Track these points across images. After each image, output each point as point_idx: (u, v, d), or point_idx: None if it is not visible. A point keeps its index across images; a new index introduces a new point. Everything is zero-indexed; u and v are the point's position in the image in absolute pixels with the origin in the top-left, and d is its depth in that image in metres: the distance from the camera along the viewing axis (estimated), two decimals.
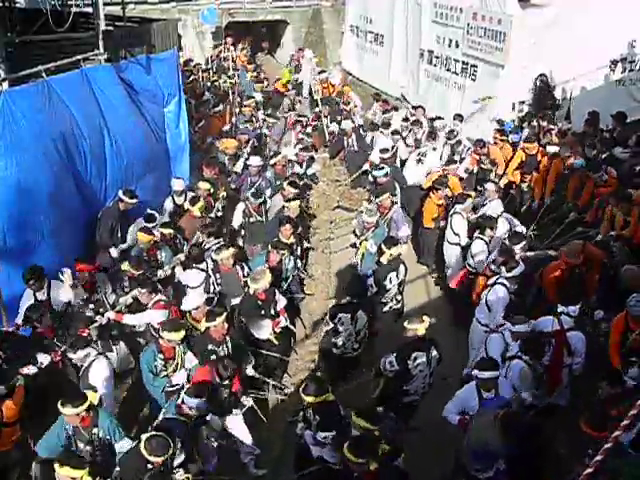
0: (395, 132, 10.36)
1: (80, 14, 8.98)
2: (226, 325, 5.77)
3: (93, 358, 5.37)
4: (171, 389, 5.53)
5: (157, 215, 7.59)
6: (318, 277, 8.74)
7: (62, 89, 6.87)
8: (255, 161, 8.96)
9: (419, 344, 5.51)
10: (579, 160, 8.16)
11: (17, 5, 9.95)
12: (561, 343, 5.54)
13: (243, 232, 8.34)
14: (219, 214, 8.49)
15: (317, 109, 12.75)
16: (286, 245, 7.08)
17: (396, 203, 8.54)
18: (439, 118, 10.64)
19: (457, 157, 9.56)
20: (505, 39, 10.26)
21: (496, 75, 10.71)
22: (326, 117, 12.33)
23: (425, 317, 5.55)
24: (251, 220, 8.25)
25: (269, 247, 6.99)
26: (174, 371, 5.66)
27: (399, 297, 6.89)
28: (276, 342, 6.44)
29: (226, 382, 5.28)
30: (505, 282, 6.21)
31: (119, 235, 7.47)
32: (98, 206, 7.51)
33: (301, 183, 9.43)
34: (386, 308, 6.81)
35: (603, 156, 8.51)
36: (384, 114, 11.60)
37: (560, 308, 5.68)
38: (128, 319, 6.27)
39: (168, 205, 8.27)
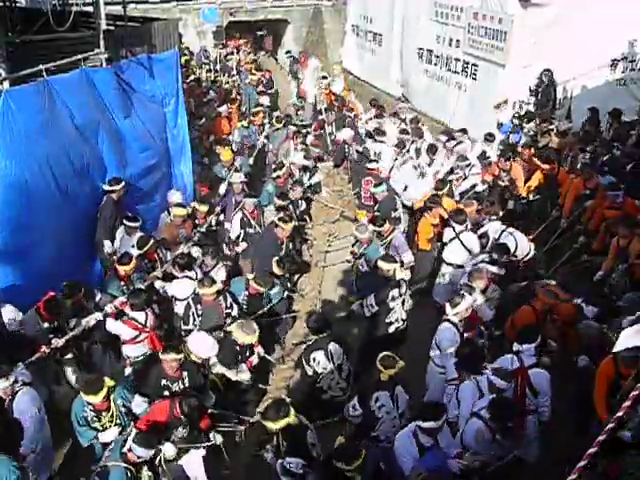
0: (400, 144, 9.83)
1: (81, 13, 8.96)
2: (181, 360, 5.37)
3: (18, 389, 4.86)
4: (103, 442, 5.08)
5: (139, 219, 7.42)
6: (307, 293, 8.39)
7: (62, 89, 6.86)
8: (236, 178, 8.57)
9: (381, 384, 5.06)
10: (607, 178, 7.62)
11: (18, 5, 9.93)
12: (523, 383, 5.00)
13: (242, 243, 8.12)
14: (214, 227, 8.35)
15: (321, 117, 12.43)
16: (273, 276, 6.86)
17: (398, 223, 8.30)
18: (452, 139, 9.97)
19: (460, 172, 9.03)
20: (506, 38, 10.27)
21: (497, 74, 10.72)
22: (330, 125, 12.06)
23: (400, 361, 5.09)
24: (250, 231, 8.09)
25: (249, 278, 6.71)
26: (110, 422, 5.13)
27: (404, 316, 6.47)
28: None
29: (190, 419, 4.92)
30: (452, 319, 5.62)
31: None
32: (98, 206, 7.49)
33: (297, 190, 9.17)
34: (392, 329, 6.39)
35: (604, 158, 8.43)
36: (376, 118, 11.19)
37: (515, 347, 5.13)
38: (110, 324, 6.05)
39: (165, 219, 8.03)
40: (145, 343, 6.15)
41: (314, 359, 5.69)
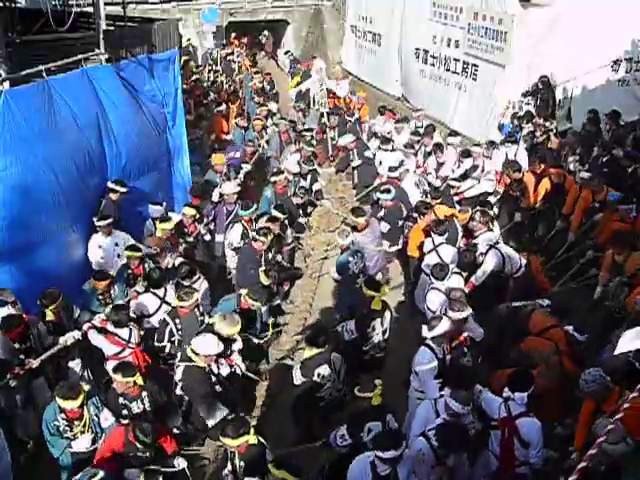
0: (408, 145, 9.81)
1: (81, 14, 8.98)
2: (139, 382, 5.19)
3: None
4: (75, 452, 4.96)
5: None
6: (298, 305, 8.20)
7: (63, 89, 6.85)
8: (228, 188, 8.27)
9: (373, 413, 4.82)
10: (614, 193, 7.35)
11: (18, 5, 9.94)
12: (510, 433, 4.65)
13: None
14: (206, 238, 8.10)
15: (322, 120, 12.16)
16: (264, 289, 6.70)
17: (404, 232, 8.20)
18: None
19: (472, 183, 8.97)
20: (506, 39, 10.25)
21: (497, 75, 10.70)
22: (332, 129, 11.71)
23: (379, 384, 4.95)
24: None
25: (242, 293, 6.43)
26: (82, 432, 4.99)
27: (383, 345, 6.20)
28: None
29: (145, 445, 4.66)
30: (430, 343, 5.34)
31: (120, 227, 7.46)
32: (97, 206, 7.47)
33: (305, 198, 9.17)
34: (367, 357, 6.14)
35: (604, 159, 8.38)
36: (396, 123, 11.06)
37: (506, 393, 4.76)
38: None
39: (149, 229, 7.80)
40: (130, 359, 5.86)
41: (318, 374, 5.47)
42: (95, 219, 7.09)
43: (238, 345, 5.93)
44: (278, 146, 10.85)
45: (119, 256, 7.06)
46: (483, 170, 9.20)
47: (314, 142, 10.84)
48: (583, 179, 7.95)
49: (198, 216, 7.96)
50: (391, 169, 9.03)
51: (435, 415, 4.74)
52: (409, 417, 5.42)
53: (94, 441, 5.01)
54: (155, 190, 8.54)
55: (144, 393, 5.27)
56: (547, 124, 9.77)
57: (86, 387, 5.04)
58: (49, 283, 6.42)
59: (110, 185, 7.45)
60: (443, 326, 5.35)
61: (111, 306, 6.07)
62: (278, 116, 12.38)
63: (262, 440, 4.69)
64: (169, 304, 6.35)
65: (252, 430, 4.55)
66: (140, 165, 8.17)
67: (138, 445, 4.64)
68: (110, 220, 7.07)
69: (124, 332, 5.88)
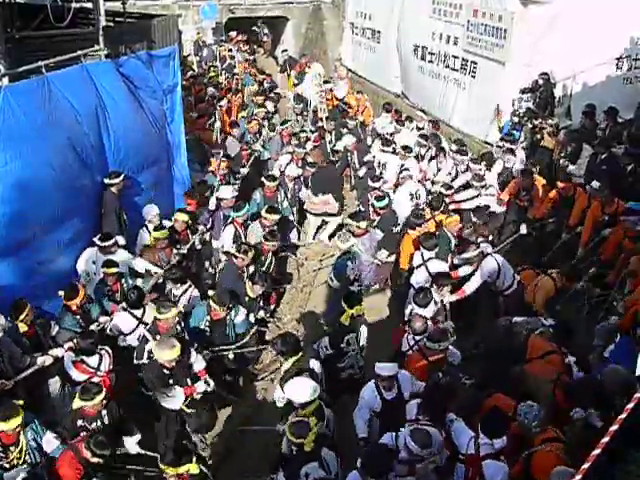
0: (405, 147, 9.48)
1: (80, 10, 8.97)
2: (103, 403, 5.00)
3: None
4: None
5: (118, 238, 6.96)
6: (287, 322, 7.78)
7: (62, 85, 6.84)
8: (226, 193, 8.14)
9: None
10: (635, 204, 7.03)
11: (17, 1, 9.92)
12: (474, 473, 4.32)
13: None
14: (198, 247, 7.80)
15: (320, 124, 11.81)
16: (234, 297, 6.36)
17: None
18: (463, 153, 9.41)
19: (473, 193, 8.55)
20: (506, 36, 10.24)
21: (497, 72, 10.69)
22: (330, 133, 11.31)
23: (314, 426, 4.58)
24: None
25: (211, 300, 6.17)
26: (18, 459, 4.62)
27: (361, 363, 5.93)
28: (188, 410, 5.62)
29: (104, 459, 4.51)
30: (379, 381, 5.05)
31: (125, 220, 7.51)
32: (98, 201, 7.48)
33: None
34: (344, 374, 5.88)
35: (603, 156, 8.29)
36: (396, 123, 10.97)
37: (482, 437, 4.33)
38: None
39: (144, 236, 7.64)
40: None
41: None
42: (96, 239, 6.83)
43: (199, 366, 5.79)
44: (279, 147, 10.70)
45: (95, 274, 6.78)
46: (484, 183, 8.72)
47: (310, 145, 10.62)
48: (592, 188, 7.60)
49: (191, 222, 7.75)
50: (374, 179, 8.75)
51: (395, 449, 4.41)
52: None
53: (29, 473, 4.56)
54: (155, 185, 8.52)
55: (104, 412, 5.09)
56: (546, 121, 9.72)
57: (22, 412, 4.60)
58: (45, 279, 6.46)
59: (106, 181, 7.38)
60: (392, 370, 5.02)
61: (79, 334, 5.79)
62: (277, 117, 12.31)
63: (205, 471, 4.55)
64: (146, 324, 6.14)
65: (194, 459, 4.39)
66: (140, 160, 8.15)
67: (95, 460, 4.46)
68: (113, 241, 6.86)
69: (93, 360, 5.65)
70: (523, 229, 7.68)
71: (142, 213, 7.75)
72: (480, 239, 7.07)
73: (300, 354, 5.41)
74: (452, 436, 4.53)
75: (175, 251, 7.37)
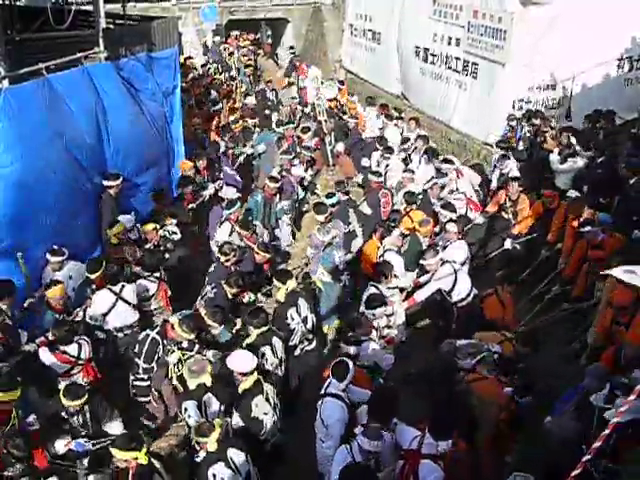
0: (387, 148, 9.54)
1: (80, 12, 8.99)
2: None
3: None
4: None
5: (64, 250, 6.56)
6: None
7: (62, 87, 6.85)
8: (230, 193, 8.19)
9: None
10: (603, 215, 6.89)
11: (17, 3, 9.95)
12: (409, 469, 4.20)
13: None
14: (175, 237, 7.54)
15: (319, 126, 11.83)
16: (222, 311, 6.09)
17: (354, 237, 7.86)
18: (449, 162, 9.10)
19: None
20: (506, 37, 10.25)
21: (497, 73, 10.69)
22: (329, 134, 11.45)
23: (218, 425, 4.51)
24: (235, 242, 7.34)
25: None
26: None
27: (310, 336, 6.04)
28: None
29: (19, 460, 4.38)
30: (339, 393, 4.80)
31: None
32: (97, 203, 7.47)
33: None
34: (297, 352, 5.96)
35: (599, 160, 8.25)
36: (386, 118, 11.02)
37: (427, 437, 4.21)
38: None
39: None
40: (80, 376, 5.64)
41: (263, 355, 5.40)
42: (48, 253, 6.47)
43: None
44: (274, 149, 10.48)
45: (74, 290, 6.57)
46: (457, 189, 8.58)
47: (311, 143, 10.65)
48: (569, 197, 7.51)
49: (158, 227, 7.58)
50: (374, 173, 8.74)
51: (352, 459, 4.26)
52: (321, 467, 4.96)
53: None
54: (154, 187, 8.54)
55: (86, 407, 5.05)
56: (549, 123, 9.68)
57: None
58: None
59: (105, 183, 7.38)
60: (351, 374, 4.86)
61: (53, 325, 5.73)
62: (275, 116, 12.31)
63: (157, 465, 4.45)
64: (126, 301, 6.23)
65: (144, 450, 4.29)
66: (139, 162, 8.17)
67: (11, 460, 4.34)
68: (62, 258, 6.50)
69: (72, 348, 5.59)
70: (507, 244, 7.61)
71: (139, 215, 7.76)
72: (455, 239, 6.93)
73: (266, 328, 5.53)
74: (396, 434, 4.43)
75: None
